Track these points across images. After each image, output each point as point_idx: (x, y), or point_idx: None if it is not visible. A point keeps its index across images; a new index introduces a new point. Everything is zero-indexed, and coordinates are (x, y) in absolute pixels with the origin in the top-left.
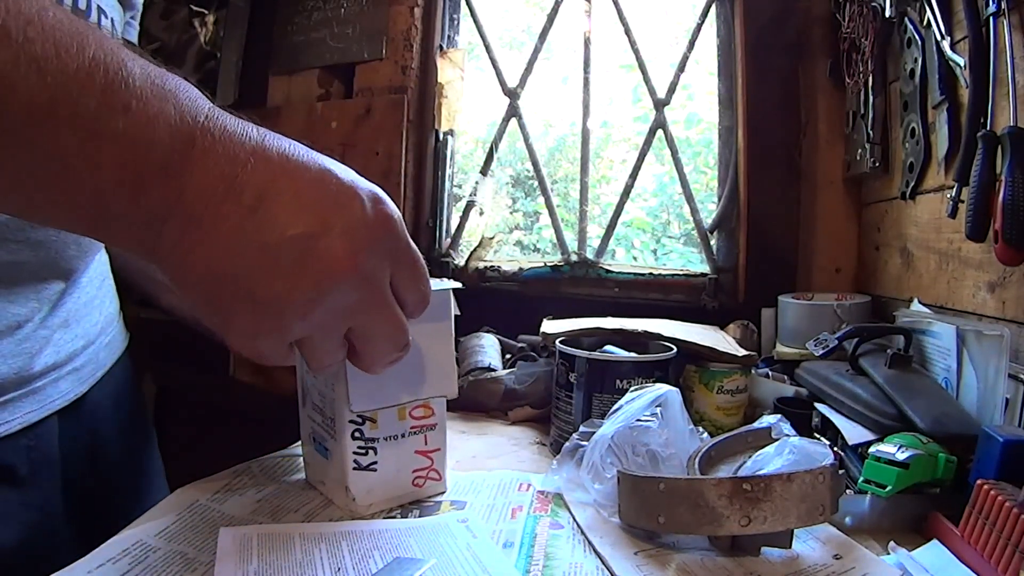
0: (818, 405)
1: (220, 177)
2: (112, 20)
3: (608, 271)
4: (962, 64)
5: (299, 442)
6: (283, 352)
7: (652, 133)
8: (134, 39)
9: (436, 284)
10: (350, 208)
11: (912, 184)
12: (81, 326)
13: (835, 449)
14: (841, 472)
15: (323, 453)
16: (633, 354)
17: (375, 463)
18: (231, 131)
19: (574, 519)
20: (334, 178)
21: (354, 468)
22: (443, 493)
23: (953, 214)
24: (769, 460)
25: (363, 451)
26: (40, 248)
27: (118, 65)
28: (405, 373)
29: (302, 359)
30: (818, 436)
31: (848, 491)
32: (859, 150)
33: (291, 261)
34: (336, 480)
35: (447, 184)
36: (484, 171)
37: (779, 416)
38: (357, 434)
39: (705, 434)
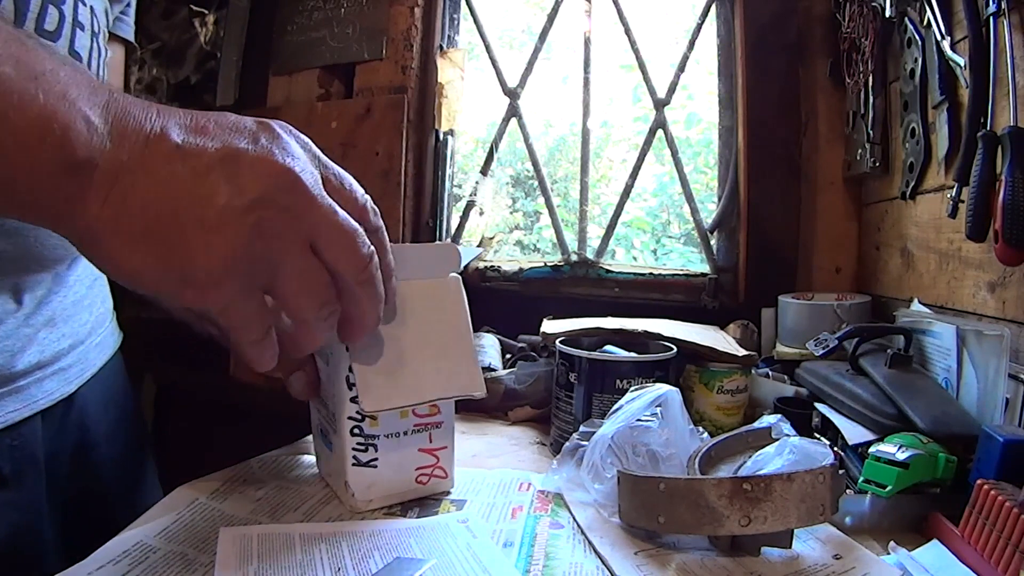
0: (818, 405)
1: (138, 127)
2: (91, 8)
3: (608, 271)
4: (962, 64)
5: (298, 440)
6: (255, 308)
7: (652, 133)
8: (128, 35)
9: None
10: (269, 127)
11: (912, 184)
12: (69, 326)
13: (835, 449)
14: (841, 472)
15: (328, 446)
16: (633, 354)
17: (375, 460)
18: (135, 100)
19: (574, 519)
20: (242, 117)
21: (353, 464)
22: (450, 491)
23: (953, 214)
24: (769, 460)
25: (363, 447)
26: (16, 236)
27: (35, 45)
28: (421, 367)
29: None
30: (818, 436)
31: (848, 491)
32: (859, 150)
33: (228, 174)
34: (338, 474)
35: (447, 184)
36: (484, 171)
37: (779, 416)
38: (356, 430)
39: (705, 434)
